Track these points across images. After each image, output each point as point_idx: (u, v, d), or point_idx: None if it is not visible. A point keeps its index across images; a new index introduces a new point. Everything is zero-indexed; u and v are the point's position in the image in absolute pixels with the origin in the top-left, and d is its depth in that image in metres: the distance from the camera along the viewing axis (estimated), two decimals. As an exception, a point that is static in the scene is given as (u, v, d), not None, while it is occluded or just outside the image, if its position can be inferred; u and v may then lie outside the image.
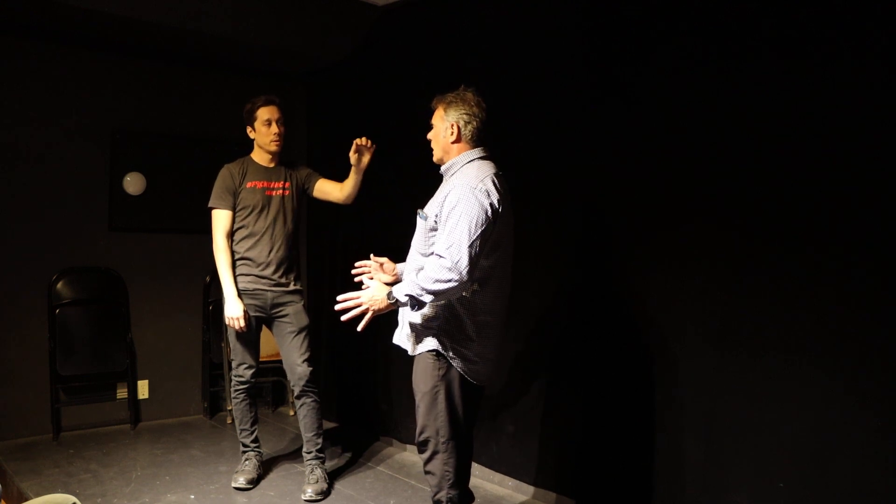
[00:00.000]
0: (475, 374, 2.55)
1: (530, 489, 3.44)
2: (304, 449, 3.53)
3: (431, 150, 2.66)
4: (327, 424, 4.49)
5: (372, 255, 2.75)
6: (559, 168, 3.31)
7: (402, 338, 2.72)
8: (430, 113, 2.65)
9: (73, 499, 2.24)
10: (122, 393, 4.55)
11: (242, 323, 3.34)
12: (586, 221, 3.25)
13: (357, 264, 2.76)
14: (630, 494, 3.02)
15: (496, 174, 2.51)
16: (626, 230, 3.07)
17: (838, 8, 2.40)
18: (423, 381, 2.54)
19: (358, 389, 4.58)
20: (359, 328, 2.46)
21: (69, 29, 4.08)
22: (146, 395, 4.64)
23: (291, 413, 4.82)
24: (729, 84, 2.69)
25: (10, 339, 4.19)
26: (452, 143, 2.58)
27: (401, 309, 2.71)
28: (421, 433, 2.57)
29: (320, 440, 3.53)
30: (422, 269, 2.47)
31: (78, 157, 4.38)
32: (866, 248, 2.35)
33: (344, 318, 2.48)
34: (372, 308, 2.46)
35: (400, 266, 2.81)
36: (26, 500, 3.17)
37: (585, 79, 3.21)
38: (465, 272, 2.32)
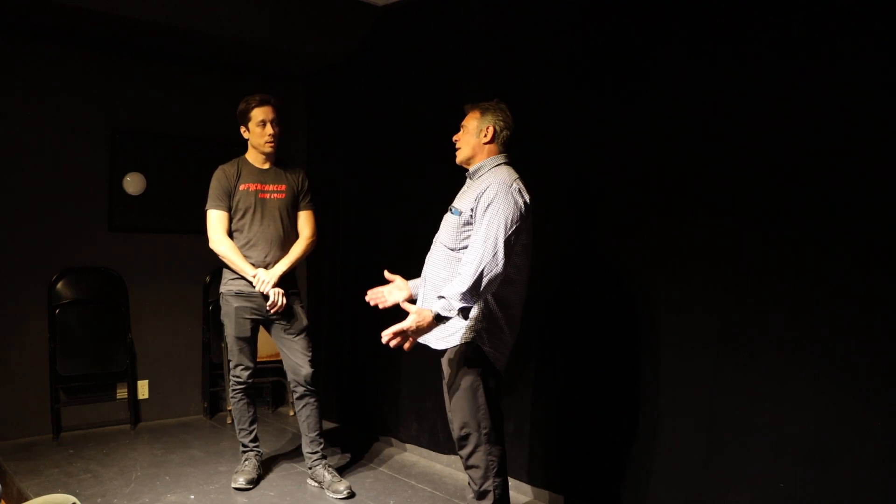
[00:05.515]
0: (502, 363, 2.65)
1: (529, 489, 3.44)
2: (309, 449, 3.53)
3: (456, 150, 2.72)
4: (327, 425, 4.49)
5: (386, 272, 2.81)
6: (557, 168, 3.31)
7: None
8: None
9: (73, 499, 2.24)
10: (121, 393, 4.55)
11: (271, 284, 3.33)
12: (586, 220, 3.25)
13: (370, 292, 2.82)
14: (630, 494, 3.02)
15: (519, 178, 2.62)
16: (626, 229, 3.07)
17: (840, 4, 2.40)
18: (462, 376, 2.58)
19: (358, 389, 4.57)
20: (406, 348, 2.44)
21: (69, 29, 4.07)
22: (146, 395, 4.64)
23: (291, 413, 4.82)
24: (732, 83, 2.69)
25: (10, 339, 4.19)
26: (485, 143, 2.68)
27: (419, 303, 2.71)
28: (462, 428, 2.60)
29: (322, 440, 3.55)
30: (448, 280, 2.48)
31: (78, 157, 4.38)
32: (867, 248, 2.35)
33: (392, 344, 2.44)
34: (419, 334, 2.44)
35: (412, 282, 2.84)
36: (26, 500, 3.17)
37: (585, 77, 3.21)
38: (501, 263, 2.41)
